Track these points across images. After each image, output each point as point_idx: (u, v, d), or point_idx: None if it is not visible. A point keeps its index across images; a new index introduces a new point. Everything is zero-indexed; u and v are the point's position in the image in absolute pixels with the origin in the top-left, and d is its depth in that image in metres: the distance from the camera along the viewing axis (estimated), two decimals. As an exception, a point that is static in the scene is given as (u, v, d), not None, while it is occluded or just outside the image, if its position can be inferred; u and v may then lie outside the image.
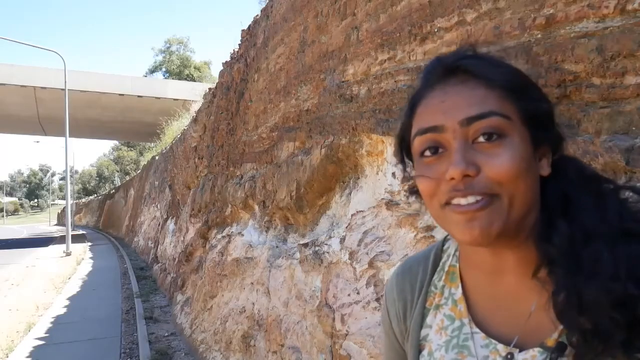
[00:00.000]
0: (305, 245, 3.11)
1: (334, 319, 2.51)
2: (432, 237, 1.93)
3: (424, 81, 0.66)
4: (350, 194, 2.74)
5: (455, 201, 0.58)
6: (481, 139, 0.58)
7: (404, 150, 0.69)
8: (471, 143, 0.59)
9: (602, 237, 0.55)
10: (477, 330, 0.65)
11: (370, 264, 2.29)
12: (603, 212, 0.58)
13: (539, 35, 1.44)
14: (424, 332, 0.71)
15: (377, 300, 2.20)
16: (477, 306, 0.68)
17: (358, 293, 2.36)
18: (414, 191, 0.69)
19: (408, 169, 0.69)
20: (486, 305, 0.67)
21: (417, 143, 0.63)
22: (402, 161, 0.71)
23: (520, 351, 0.60)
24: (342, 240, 2.64)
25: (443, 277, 0.73)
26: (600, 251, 0.55)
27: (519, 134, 0.59)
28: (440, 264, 0.75)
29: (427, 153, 0.61)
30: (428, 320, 0.72)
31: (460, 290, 0.70)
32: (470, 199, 0.57)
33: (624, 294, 0.52)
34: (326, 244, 2.83)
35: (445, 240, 0.77)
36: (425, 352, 0.70)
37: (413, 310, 0.74)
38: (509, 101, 0.60)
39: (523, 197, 0.58)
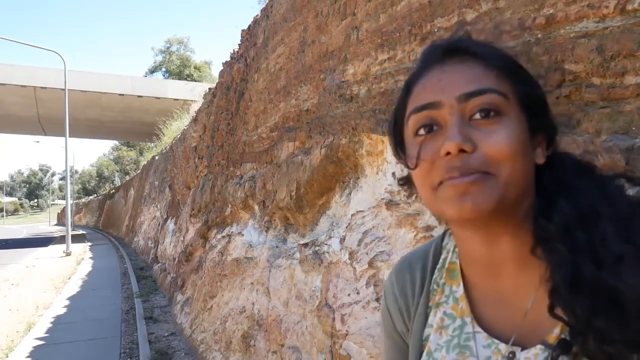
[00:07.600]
0: (305, 245, 3.11)
1: (334, 319, 2.51)
2: (432, 237, 1.92)
3: (421, 63, 0.65)
4: (350, 194, 2.74)
5: (449, 182, 0.56)
6: (478, 116, 0.57)
7: (397, 139, 0.67)
8: (468, 120, 0.58)
9: (607, 217, 0.54)
10: (479, 329, 0.63)
11: (370, 264, 2.29)
12: (605, 196, 0.57)
13: (539, 35, 1.44)
14: (426, 331, 0.69)
15: (377, 300, 2.20)
16: (478, 304, 0.65)
17: (358, 293, 2.36)
18: (405, 180, 0.68)
19: (403, 159, 0.66)
20: (487, 302, 0.65)
21: (412, 122, 0.61)
22: (396, 152, 0.68)
23: (522, 349, 0.58)
24: (342, 240, 2.64)
25: (444, 275, 0.70)
26: (606, 231, 0.52)
27: (516, 115, 0.59)
28: (440, 260, 0.73)
29: (422, 132, 0.60)
30: (429, 319, 0.69)
31: (461, 287, 0.67)
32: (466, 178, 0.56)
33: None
34: (326, 244, 2.83)
35: (444, 236, 0.75)
36: (424, 352, 0.68)
37: (415, 308, 0.72)
38: (506, 82, 0.59)
39: (518, 178, 0.57)
